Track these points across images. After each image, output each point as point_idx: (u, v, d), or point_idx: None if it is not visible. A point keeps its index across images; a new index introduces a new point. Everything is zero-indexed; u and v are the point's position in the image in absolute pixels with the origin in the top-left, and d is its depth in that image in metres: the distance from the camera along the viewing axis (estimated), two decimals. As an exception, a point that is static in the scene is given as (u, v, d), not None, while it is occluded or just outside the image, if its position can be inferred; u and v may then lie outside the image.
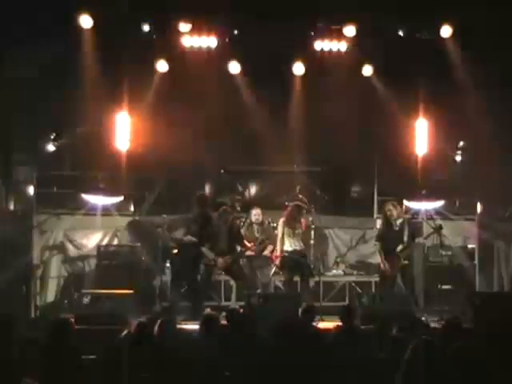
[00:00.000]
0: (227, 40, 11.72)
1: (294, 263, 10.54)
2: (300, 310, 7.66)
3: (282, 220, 10.74)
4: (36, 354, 5.91)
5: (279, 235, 10.71)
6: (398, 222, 10.71)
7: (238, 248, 10.92)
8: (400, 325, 6.56)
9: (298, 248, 10.64)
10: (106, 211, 11.83)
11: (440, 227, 10.80)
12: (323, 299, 11.14)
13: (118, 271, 10.96)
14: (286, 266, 10.60)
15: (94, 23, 11.14)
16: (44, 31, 10.82)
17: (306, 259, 10.71)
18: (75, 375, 5.76)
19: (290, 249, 10.59)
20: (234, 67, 12.08)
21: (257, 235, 11.35)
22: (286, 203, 11.25)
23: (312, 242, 11.16)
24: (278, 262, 10.73)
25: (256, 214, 11.38)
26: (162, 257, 10.91)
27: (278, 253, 10.72)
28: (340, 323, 7.10)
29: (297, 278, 10.69)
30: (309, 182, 11.79)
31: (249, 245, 11.05)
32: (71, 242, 11.80)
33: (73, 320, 6.60)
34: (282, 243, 10.62)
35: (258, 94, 12.19)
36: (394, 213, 10.70)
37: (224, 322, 7.11)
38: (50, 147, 11.85)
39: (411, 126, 12.08)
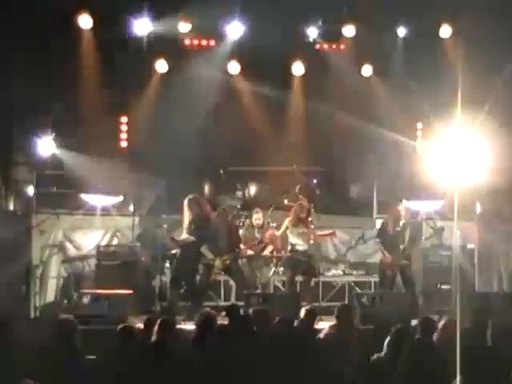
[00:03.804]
0: (227, 40, 11.72)
1: (298, 263, 10.52)
2: (301, 312, 7.62)
3: (287, 219, 10.71)
4: (36, 354, 5.90)
5: (282, 229, 10.69)
6: (401, 222, 10.74)
7: (238, 248, 10.93)
8: (399, 325, 6.55)
9: (302, 248, 10.61)
10: (106, 211, 11.82)
11: (441, 229, 10.82)
12: (322, 299, 11.14)
13: (117, 271, 10.93)
14: (289, 265, 10.59)
15: (94, 23, 11.14)
16: (44, 31, 10.84)
17: (311, 259, 10.67)
18: (77, 375, 5.76)
19: (294, 248, 10.59)
20: (234, 67, 12.08)
21: (257, 236, 11.34)
22: (286, 202, 11.25)
23: (311, 241, 11.16)
24: (274, 250, 10.72)
25: (257, 218, 11.29)
26: (162, 257, 10.90)
27: (278, 246, 10.75)
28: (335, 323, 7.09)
29: (299, 278, 10.69)
30: (309, 181, 11.77)
31: (248, 244, 11.05)
32: (71, 241, 11.78)
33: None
34: (285, 238, 10.62)
35: (258, 94, 12.19)
36: (404, 214, 10.73)
37: (223, 321, 7.12)
38: (50, 147, 11.84)
39: (410, 125, 12.08)
